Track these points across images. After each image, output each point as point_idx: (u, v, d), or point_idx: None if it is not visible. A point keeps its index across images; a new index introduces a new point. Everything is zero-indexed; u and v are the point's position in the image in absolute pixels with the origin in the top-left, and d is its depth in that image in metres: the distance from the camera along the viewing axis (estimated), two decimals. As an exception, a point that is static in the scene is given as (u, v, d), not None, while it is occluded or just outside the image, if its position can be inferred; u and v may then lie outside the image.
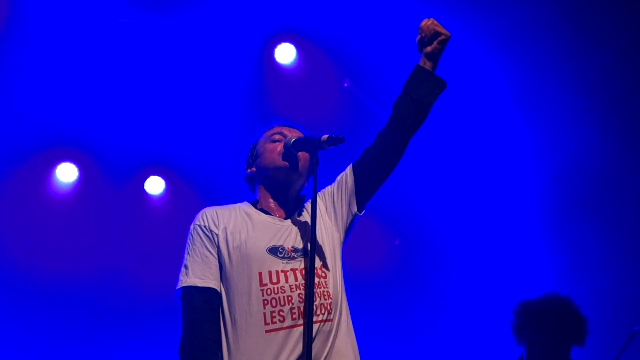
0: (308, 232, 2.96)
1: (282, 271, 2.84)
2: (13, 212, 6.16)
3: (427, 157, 6.41)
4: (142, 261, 6.31)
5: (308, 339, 2.64)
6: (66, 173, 6.26)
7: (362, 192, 3.03)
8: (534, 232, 6.41)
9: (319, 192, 3.12)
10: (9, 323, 6.09)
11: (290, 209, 3.09)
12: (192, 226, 3.02)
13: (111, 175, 6.35)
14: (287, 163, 3.02)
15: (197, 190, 6.43)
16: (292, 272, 2.85)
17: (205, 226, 2.97)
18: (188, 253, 2.96)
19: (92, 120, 6.14)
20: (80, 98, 6.02)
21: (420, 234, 6.83)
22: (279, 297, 2.80)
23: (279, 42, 6.14)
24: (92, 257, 6.29)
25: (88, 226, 6.31)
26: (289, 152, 3.01)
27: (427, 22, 2.91)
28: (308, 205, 3.15)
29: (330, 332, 2.83)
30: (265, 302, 2.80)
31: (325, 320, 2.82)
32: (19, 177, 6.14)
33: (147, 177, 6.48)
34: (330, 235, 3.02)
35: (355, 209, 3.04)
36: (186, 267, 2.94)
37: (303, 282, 2.83)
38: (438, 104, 2.98)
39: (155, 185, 6.51)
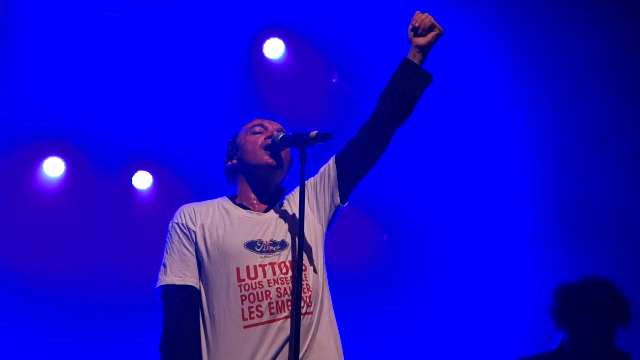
0: (287, 224, 2.98)
1: (260, 265, 2.85)
2: (-1, 206, 6.13)
3: (416, 151, 6.40)
4: (130, 257, 6.28)
5: (296, 331, 2.65)
6: (53, 167, 6.22)
7: (345, 183, 3.03)
8: (524, 228, 6.41)
9: None
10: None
11: (270, 202, 3.08)
12: (170, 224, 3.03)
13: (99, 170, 6.32)
14: (272, 160, 3.02)
15: (185, 185, 6.40)
16: (270, 267, 2.85)
17: (182, 224, 2.98)
18: (167, 252, 2.98)
19: (80, 114, 6.11)
20: (67, 92, 5.99)
21: (409, 230, 6.82)
22: (257, 292, 2.81)
23: (267, 37, 6.12)
24: (79, 252, 6.25)
25: (75, 221, 6.28)
26: (276, 147, 3.01)
27: (422, 16, 2.90)
28: (289, 197, 3.14)
29: (310, 324, 2.84)
30: (243, 297, 2.81)
31: (305, 314, 2.83)
32: (5, 171, 6.10)
33: (135, 171, 6.45)
34: (312, 227, 3.01)
35: (338, 200, 3.04)
36: (164, 265, 2.95)
37: (281, 276, 2.84)
38: (428, 96, 2.97)
39: (142, 180, 6.48)
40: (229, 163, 3.16)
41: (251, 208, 3.04)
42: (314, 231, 3.01)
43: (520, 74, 6.02)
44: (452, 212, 6.65)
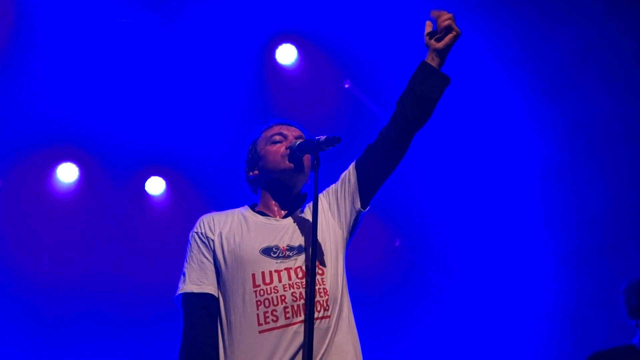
0: (305, 229, 2.98)
1: (275, 271, 2.85)
2: (14, 211, 6.16)
3: (430, 157, 6.40)
4: (143, 262, 6.30)
5: (309, 336, 2.65)
6: (67, 173, 6.27)
7: (365, 188, 3.02)
8: (537, 234, 6.39)
9: (323, 191, 3.13)
10: (8, 323, 6.09)
11: (291, 208, 3.09)
12: (190, 234, 3.06)
13: (112, 176, 6.36)
14: (292, 165, 3.03)
15: (197, 190, 6.43)
16: (285, 272, 2.85)
17: (201, 233, 3.01)
18: (186, 260, 3.01)
19: (94, 120, 6.15)
20: (82, 98, 6.04)
21: (422, 236, 6.82)
22: (272, 297, 2.81)
23: (280, 43, 6.14)
24: (92, 258, 6.29)
25: (88, 226, 6.32)
26: (295, 154, 3.02)
27: (442, 15, 2.85)
28: (310, 204, 3.14)
29: (328, 328, 2.83)
30: (259, 302, 2.82)
31: (322, 317, 2.82)
32: (20, 177, 6.14)
33: (148, 177, 6.48)
34: (332, 232, 3.01)
35: (359, 205, 3.03)
36: (184, 274, 2.98)
37: (297, 280, 2.84)
38: (443, 103, 2.96)
39: (156, 186, 6.51)
40: (251, 174, 3.17)
41: (270, 215, 3.06)
42: (334, 236, 3.01)
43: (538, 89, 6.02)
44: (464, 217, 6.64)
